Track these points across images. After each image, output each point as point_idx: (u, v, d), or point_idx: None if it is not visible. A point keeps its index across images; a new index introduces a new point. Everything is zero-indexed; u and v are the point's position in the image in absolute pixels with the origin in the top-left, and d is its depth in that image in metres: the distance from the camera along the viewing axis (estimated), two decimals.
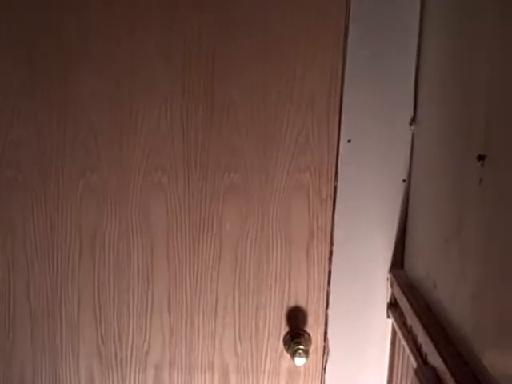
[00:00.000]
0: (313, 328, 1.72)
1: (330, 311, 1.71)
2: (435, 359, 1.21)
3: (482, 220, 1.10)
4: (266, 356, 1.73)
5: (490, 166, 1.09)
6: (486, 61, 1.13)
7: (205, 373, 1.75)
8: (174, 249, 1.71)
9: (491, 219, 1.06)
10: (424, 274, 1.47)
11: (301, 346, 1.65)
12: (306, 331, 1.71)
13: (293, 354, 1.65)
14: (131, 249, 1.71)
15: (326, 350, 1.72)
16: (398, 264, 1.69)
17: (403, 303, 1.49)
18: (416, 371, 1.27)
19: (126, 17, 1.63)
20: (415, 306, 1.41)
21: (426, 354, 1.30)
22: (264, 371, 1.74)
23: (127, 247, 1.71)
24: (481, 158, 1.11)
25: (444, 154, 1.37)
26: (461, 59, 1.29)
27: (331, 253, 1.69)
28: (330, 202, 1.68)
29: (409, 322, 1.46)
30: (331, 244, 1.69)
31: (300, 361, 1.65)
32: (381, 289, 1.68)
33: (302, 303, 1.71)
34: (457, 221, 1.24)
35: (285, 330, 1.72)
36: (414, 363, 1.36)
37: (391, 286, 1.65)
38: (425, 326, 1.30)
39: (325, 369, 1.73)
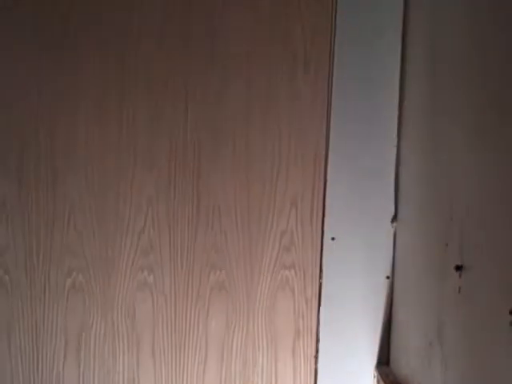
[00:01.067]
0: None
1: None
2: None
3: (462, 327, 1.12)
4: None
5: (468, 276, 1.11)
6: (460, 166, 1.17)
7: None
8: (159, 348, 1.70)
9: (470, 327, 1.08)
10: (410, 375, 1.47)
11: None
12: None
13: None
14: (117, 349, 1.71)
15: None
16: (384, 359, 1.69)
17: None
18: None
19: (114, 118, 1.68)
20: None
21: None
22: None
23: (113, 347, 1.71)
24: (459, 268, 1.14)
25: (425, 256, 1.40)
26: (437, 162, 1.33)
27: (317, 351, 1.69)
28: (315, 300, 1.69)
29: None
30: (317, 342, 1.69)
31: None
32: None
33: None
34: (438, 326, 1.25)
35: None
36: None
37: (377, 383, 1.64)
38: None
39: None
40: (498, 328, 0.91)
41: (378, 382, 1.64)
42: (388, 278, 1.68)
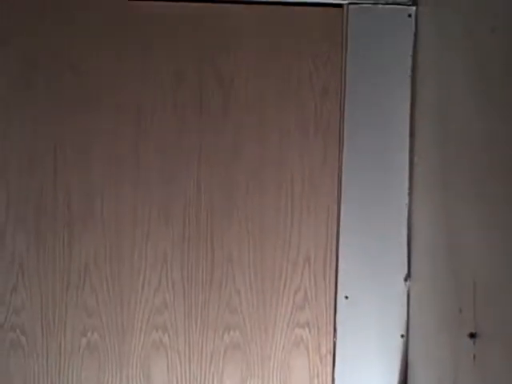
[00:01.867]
0: None
1: None
2: None
3: None
4: None
5: (482, 344, 1.11)
6: (472, 232, 1.18)
7: None
8: None
9: None
10: None
11: None
12: None
13: None
14: None
15: None
16: None
17: None
18: None
19: (129, 177, 1.70)
20: None
21: None
22: None
23: None
24: (473, 336, 1.14)
25: (439, 319, 1.40)
26: (449, 225, 1.34)
27: None
28: (329, 358, 1.68)
29: None
30: None
31: None
32: None
33: None
34: None
35: None
36: None
37: None
38: None
39: None
40: None
41: None
42: (403, 336, 1.67)
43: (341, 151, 1.70)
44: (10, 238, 1.69)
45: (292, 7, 1.70)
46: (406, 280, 1.67)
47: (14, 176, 1.70)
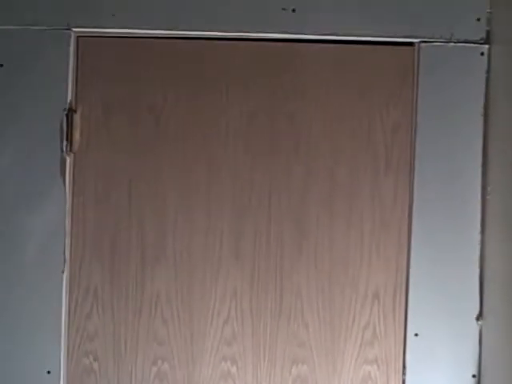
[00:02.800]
0: None
1: None
2: None
3: None
4: None
5: None
6: None
7: None
8: None
9: None
10: None
11: None
12: None
13: None
14: None
15: None
16: None
17: None
18: None
19: (201, 210, 1.74)
20: None
21: None
22: None
23: None
24: None
25: None
26: None
27: None
28: None
29: None
30: None
31: None
32: None
33: None
34: None
35: None
36: None
37: None
38: None
39: None
40: None
41: None
42: (474, 376, 1.65)
43: (411, 188, 1.70)
44: (86, 267, 1.75)
45: (364, 46, 1.73)
46: (477, 319, 1.65)
47: (90, 209, 1.75)
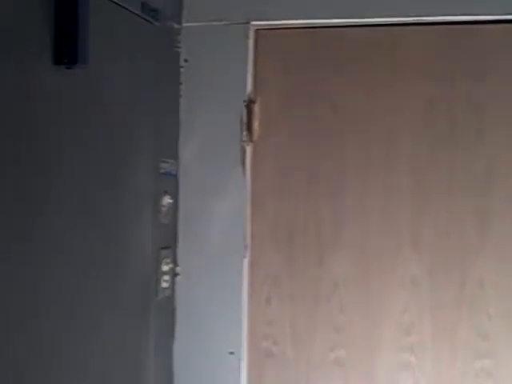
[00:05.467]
0: None
1: None
2: None
3: None
4: None
5: None
6: None
7: None
8: None
9: None
10: None
11: None
12: None
13: None
14: None
15: None
16: None
17: None
18: None
19: (377, 207, 1.73)
20: None
21: None
22: None
23: None
24: None
25: None
26: None
27: None
28: None
29: None
30: None
31: None
32: None
33: None
34: None
35: None
36: None
37: None
38: None
39: None
40: None
41: None
42: None
43: None
44: (265, 254, 1.80)
45: None
46: None
47: (269, 196, 1.80)
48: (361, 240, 1.75)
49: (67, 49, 1.16)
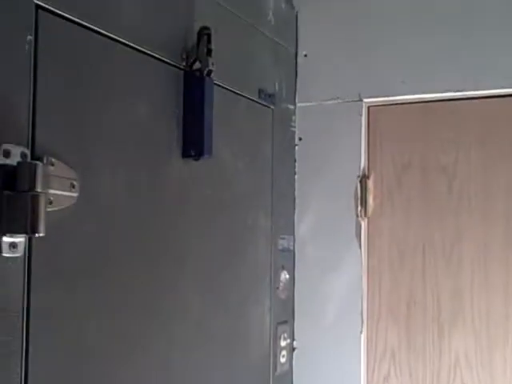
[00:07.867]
0: None
1: None
2: None
3: None
4: None
5: None
6: None
7: None
8: None
9: None
10: None
11: None
12: None
13: None
14: None
15: None
16: None
17: None
18: None
19: (500, 283, 1.68)
20: None
21: None
22: None
23: None
24: None
25: None
26: None
27: None
28: None
29: None
30: None
31: None
32: None
33: None
34: None
35: None
36: None
37: None
38: None
39: None
40: None
41: None
42: None
43: None
44: (382, 328, 1.79)
45: None
46: None
47: (385, 271, 1.80)
48: (482, 312, 1.69)
49: (194, 143, 1.24)
